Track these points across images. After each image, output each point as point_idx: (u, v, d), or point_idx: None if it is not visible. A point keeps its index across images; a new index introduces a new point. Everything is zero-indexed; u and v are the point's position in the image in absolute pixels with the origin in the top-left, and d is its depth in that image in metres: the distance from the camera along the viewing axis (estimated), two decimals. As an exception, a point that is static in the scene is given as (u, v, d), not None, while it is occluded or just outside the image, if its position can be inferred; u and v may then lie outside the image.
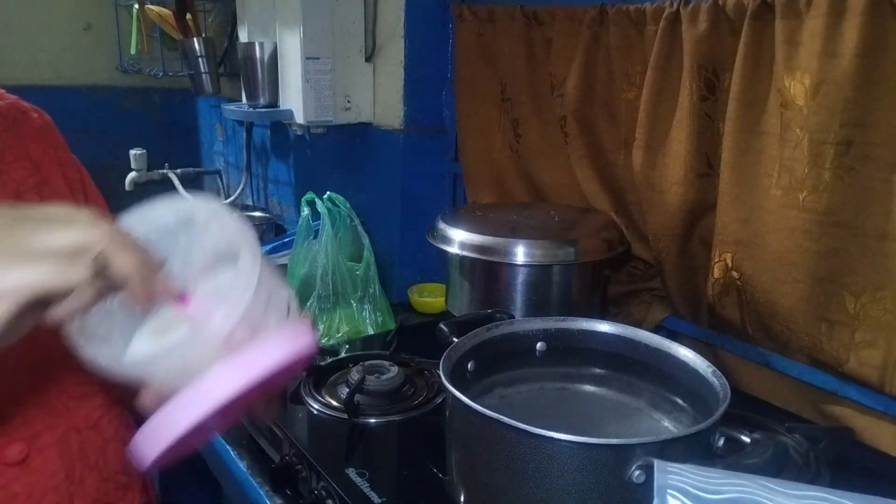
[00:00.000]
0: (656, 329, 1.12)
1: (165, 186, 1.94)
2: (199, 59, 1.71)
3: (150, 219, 0.52)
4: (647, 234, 1.07)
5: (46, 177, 0.73)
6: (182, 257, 0.53)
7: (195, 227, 0.53)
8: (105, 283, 0.43)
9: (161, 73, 1.97)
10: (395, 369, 1.01)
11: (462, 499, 0.72)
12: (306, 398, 0.96)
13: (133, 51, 2.08)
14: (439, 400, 0.96)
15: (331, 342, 1.20)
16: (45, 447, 0.63)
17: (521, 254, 1.01)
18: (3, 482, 0.58)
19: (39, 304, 0.42)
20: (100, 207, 0.79)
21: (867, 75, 0.77)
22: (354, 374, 0.99)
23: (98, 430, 0.69)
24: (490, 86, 1.29)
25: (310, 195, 1.41)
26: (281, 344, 0.48)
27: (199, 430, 0.46)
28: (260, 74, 1.49)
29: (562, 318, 0.86)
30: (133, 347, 0.51)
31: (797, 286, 0.87)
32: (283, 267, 1.37)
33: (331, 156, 1.62)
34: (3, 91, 0.75)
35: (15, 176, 0.70)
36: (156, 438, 0.45)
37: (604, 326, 0.84)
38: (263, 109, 1.52)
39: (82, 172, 0.79)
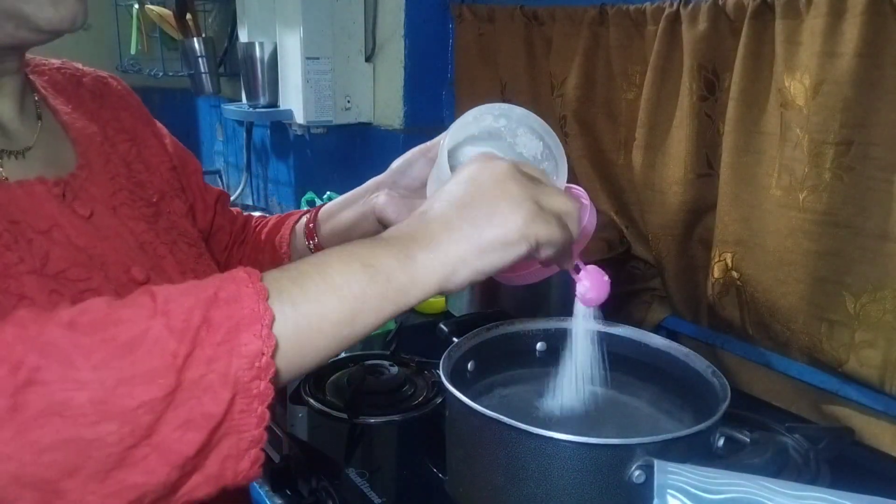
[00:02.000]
0: (656, 329, 1.12)
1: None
2: (199, 59, 1.71)
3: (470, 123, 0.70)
4: (647, 234, 1.07)
5: (142, 143, 0.75)
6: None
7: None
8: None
9: (161, 73, 1.97)
10: (395, 369, 1.01)
11: (462, 499, 0.72)
12: (306, 398, 0.96)
13: (133, 51, 2.08)
14: (439, 400, 0.96)
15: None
16: (164, 274, 0.66)
17: (521, 254, 1.00)
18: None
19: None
20: (192, 159, 0.82)
21: (867, 75, 0.77)
22: (355, 374, 0.99)
23: (210, 275, 0.73)
24: (490, 86, 1.29)
25: (310, 195, 1.41)
26: (591, 220, 0.67)
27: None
28: (260, 74, 1.49)
29: (562, 318, 0.85)
30: None
31: (797, 286, 0.87)
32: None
33: (331, 156, 1.62)
34: (75, 64, 0.75)
35: (120, 150, 0.71)
36: (519, 279, 0.68)
37: (604, 326, 0.84)
38: (263, 109, 1.52)
39: (162, 128, 0.81)
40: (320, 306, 0.45)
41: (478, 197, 0.51)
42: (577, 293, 0.66)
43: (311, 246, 0.84)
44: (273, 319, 0.42)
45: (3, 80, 0.61)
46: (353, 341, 0.47)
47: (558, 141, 0.70)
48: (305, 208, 1.38)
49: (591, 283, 0.65)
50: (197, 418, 0.39)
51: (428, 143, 0.77)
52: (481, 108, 0.71)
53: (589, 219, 0.68)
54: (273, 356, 0.41)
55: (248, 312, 0.41)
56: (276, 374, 0.42)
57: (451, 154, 0.75)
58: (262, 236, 0.88)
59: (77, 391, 0.36)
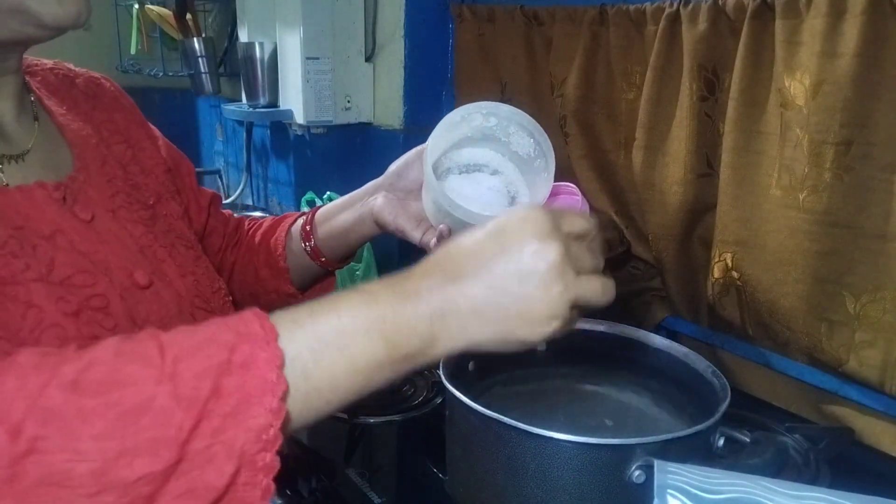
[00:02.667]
0: (656, 329, 1.12)
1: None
2: (199, 59, 1.71)
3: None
4: (647, 234, 1.07)
5: (137, 145, 0.75)
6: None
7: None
8: None
9: (161, 73, 1.97)
10: (395, 369, 1.01)
11: (462, 499, 0.72)
12: (306, 398, 0.96)
13: (133, 51, 2.08)
14: (439, 400, 0.96)
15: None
16: (165, 278, 0.66)
17: (521, 254, 1.00)
18: (133, 303, 0.61)
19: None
20: (185, 161, 0.82)
21: (867, 75, 0.77)
22: (354, 374, 0.99)
23: (209, 277, 0.73)
24: (490, 86, 1.29)
25: (310, 195, 1.41)
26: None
27: None
28: (260, 74, 1.49)
29: (562, 318, 0.85)
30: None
31: (797, 286, 0.87)
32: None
33: (331, 156, 1.62)
34: (67, 65, 0.75)
35: (116, 152, 0.71)
36: None
37: (604, 326, 0.84)
38: (263, 109, 1.52)
39: (155, 130, 0.81)
40: (332, 381, 0.43)
41: (518, 290, 0.46)
42: None
43: (308, 248, 0.84)
44: (286, 392, 0.40)
45: (4, 79, 0.60)
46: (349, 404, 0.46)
47: (547, 137, 0.71)
48: (305, 208, 1.38)
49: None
50: (198, 489, 0.38)
51: (424, 145, 0.77)
52: (468, 107, 0.71)
53: (581, 211, 0.69)
54: (281, 429, 0.40)
55: (261, 383, 0.39)
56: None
57: (448, 155, 0.76)
58: (257, 238, 0.88)
59: (77, 462, 0.36)
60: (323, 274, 0.88)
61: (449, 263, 0.47)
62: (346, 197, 0.84)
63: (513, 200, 0.77)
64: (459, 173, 0.77)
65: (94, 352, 0.39)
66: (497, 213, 0.62)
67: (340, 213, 0.83)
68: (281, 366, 0.40)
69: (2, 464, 0.35)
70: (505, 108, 0.71)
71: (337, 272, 0.89)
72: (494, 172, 0.77)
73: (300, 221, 0.85)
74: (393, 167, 0.81)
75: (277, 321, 0.42)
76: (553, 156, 0.70)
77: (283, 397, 0.40)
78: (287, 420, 0.40)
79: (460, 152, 0.77)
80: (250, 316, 0.42)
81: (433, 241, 0.73)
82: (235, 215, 0.93)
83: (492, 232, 0.48)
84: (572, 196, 0.74)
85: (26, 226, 0.56)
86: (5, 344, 0.50)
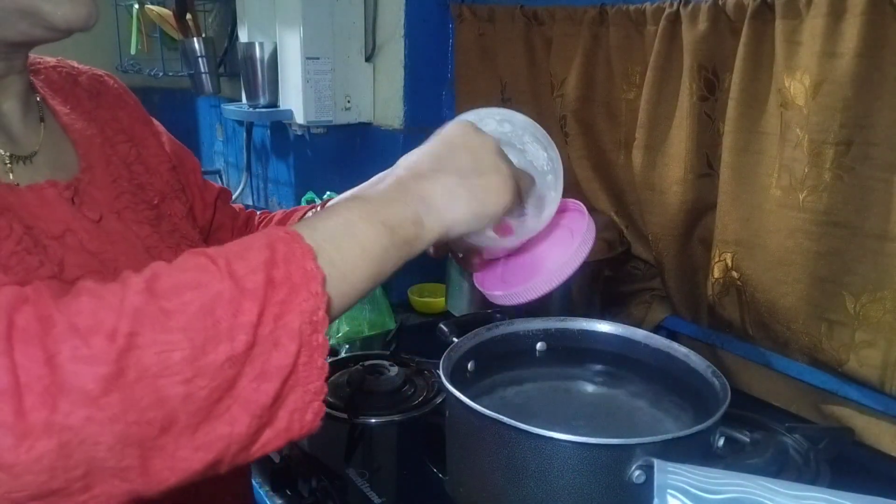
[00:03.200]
0: (656, 329, 1.12)
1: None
2: (199, 59, 1.71)
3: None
4: (647, 234, 1.07)
5: (141, 143, 0.75)
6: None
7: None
8: None
9: (161, 73, 1.97)
10: (395, 369, 1.01)
11: (462, 499, 0.72)
12: (306, 398, 0.96)
13: (133, 51, 2.08)
14: (439, 400, 0.96)
15: (331, 342, 1.20)
16: None
17: (521, 254, 1.00)
18: None
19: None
20: (189, 157, 0.83)
21: (867, 75, 0.77)
22: (354, 375, 0.99)
23: None
24: (490, 86, 1.29)
25: (310, 195, 1.41)
26: (587, 241, 0.69)
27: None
28: (260, 74, 1.49)
29: (562, 318, 0.86)
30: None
31: (797, 286, 0.87)
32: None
33: (331, 156, 1.62)
34: (70, 62, 0.75)
35: (120, 151, 0.71)
36: (515, 297, 0.69)
37: (604, 326, 0.84)
38: (263, 109, 1.52)
39: (159, 126, 0.81)
40: (354, 265, 0.49)
41: (476, 167, 0.57)
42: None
43: None
44: (324, 278, 0.46)
45: (9, 79, 0.60)
46: (372, 291, 0.53)
47: (557, 152, 0.71)
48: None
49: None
50: (270, 370, 0.42)
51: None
52: (480, 111, 0.71)
53: (587, 231, 0.69)
54: (326, 311, 0.45)
55: (303, 272, 0.44)
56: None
57: None
58: None
59: (172, 351, 0.39)
60: None
61: (412, 169, 0.57)
62: (356, 189, 0.84)
63: (523, 211, 0.76)
64: None
65: (152, 268, 0.43)
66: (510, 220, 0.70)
67: None
68: (315, 257, 0.46)
69: (109, 360, 0.38)
70: (520, 118, 0.72)
71: None
72: None
73: (310, 214, 0.85)
74: (401, 162, 0.81)
75: (296, 227, 0.48)
76: (562, 173, 0.70)
77: (323, 283, 0.45)
78: (329, 304, 0.46)
79: None
80: (272, 227, 0.48)
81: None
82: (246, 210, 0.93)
83: (438, 140, 0.59)
84: (580, 213, 0.74)
85: (37, 226, 0.57)
86: None
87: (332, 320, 0.48)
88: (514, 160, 0.74)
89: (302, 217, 0.86)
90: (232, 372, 0.41)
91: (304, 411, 0.45)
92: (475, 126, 0.60)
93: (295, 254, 0.45)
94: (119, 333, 0.39)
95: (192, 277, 0.42)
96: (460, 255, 0.74)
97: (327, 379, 0.45)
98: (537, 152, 0.73)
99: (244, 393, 0.42)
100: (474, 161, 0.57)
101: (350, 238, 0.49)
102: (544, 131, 0.71)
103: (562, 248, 0.71)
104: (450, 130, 0.60)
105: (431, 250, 0.75)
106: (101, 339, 0.38)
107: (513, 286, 0.72)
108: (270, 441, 0.45)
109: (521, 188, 0.61)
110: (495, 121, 0.72)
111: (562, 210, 0.72)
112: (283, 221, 0.88)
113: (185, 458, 0.41)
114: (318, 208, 0.86)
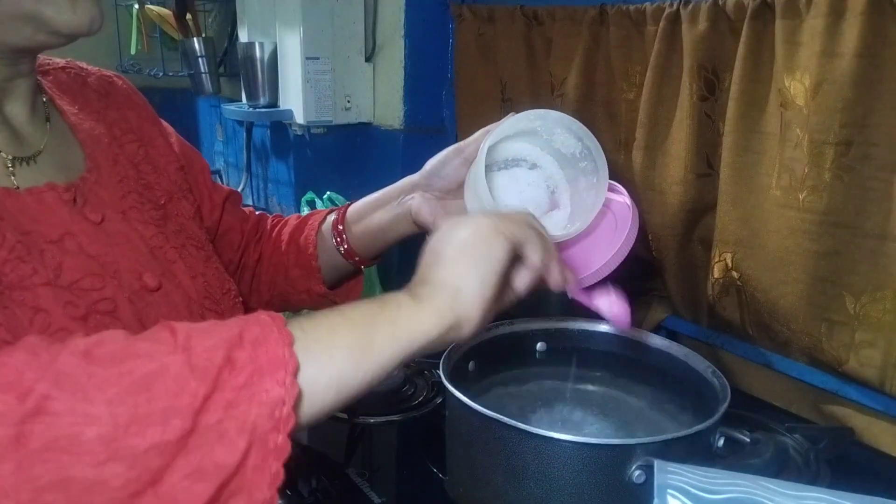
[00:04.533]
0: (656, 329, 1.12)
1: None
2: (199, 59, 1.71)
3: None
4: (647, 234, 1.07)
5: (149, 143, 0.75)
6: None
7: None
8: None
9: (161, 73, 1.97)
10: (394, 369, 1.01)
11: (462, 499, 0.72)
12: (306, 398, 0.96)
13: (133, 51, 2.08)
14: (439, 400, 0.96)
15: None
16: (175, 279, 0.66)
17: (521, 254, 1.00)
18: (142, 305, 0.61)
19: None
20: (198, 158, 0.83)
21: (867, 75, 0.77)
22: (354, 374, 0.99)
23: (219, 278, 0.73)
24: (490, 86, 1.29)
25: (310, 195, 1.41)
26: (633, 230, 0.70)
27: None
28: (260, 74, 1.49)
29: (562, 318, 0.86)
30: None
31: (797, 286, 0.87)
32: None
33: (331, 156, 1.62)
34: (79, 63, 0.74)
35: (128, 151, 0.71)
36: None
37: (604, 326, 0.84)
38: (263, 109, 1.52)
39: (168, 127, 0.81)
40: (342, 373, 0.44)
41: (470, 241, 0.54)
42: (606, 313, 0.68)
43: (342, 249, 0.83)
44: (297, 368, 0.40)
45: (16, 82, 0.60)
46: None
47: (597, 142, 0.71)
48: (305, 208, 1.38)
49: (610, 299, 0.67)
50: (208, 467, 0.36)
51: (461, 143, 0.76)
52: (520, 114, 0.72)
53: (633, 222, 0.70)
54: (294, 407, 0.39)
55: (273, 357, 0.39)
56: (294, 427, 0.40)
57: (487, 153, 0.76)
58: (284, 237, 0.86)
59: (87, 426, 0.34)
60: (353, 272, 0.87)
61: (427, 268, 0.54)
62: (379, 194, 0.83)
63: (552, 194, 0.76)
64: (498, 170, 0.77)
65: (103, 334, 0.39)
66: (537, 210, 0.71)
67: (375, 211, 0.82)
68: (291, 343, 0.40)
69: (8, 422, 0.33)
70: (554, 114, 0.72)
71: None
72: (533, 167, 0.77)
73: (330, 219, 0.85)
74: (429, 165, 0.80)
75: (287, 273, 0.45)
76: (604, 159, 0.71)
77: (295, 373, 0.40)
78: (299, 400, 0.40)
79: (496, 147, 0.77)
80: (258, 312, 0.43)
81: None
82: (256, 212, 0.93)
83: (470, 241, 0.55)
84: (622, 197, 0.75)
85: (35, 230, 0.56)
86: None
87: (303, 423, 0.42)
88: (535, 147, 0.75)
89: (321, 222, 0.85)
90: (159, 462, 0.35)
91: None
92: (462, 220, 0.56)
93: (268, 337, 0.40)
94: (33, 394, 0.34)
95: (142, 347, 0.38)
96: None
97: (282, 491, 0.39)
98: (568, 140, 0.74)
99: (172, 491, 0.36)
100: (471, 237, 0.54)
101: (364, 352, 0.44)
102: (579, 124, 0.71)
103: (607, 240, 0.72)
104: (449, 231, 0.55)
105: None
106: (12, 397, 0.34)
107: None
108: None
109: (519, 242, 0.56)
110: (528, 119, 0.72)
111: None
112: (297, 229, 0.87)
113: None
114: (336, 213, 0.85)
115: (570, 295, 0.64)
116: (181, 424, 0.36)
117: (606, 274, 0.70)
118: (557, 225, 0.74)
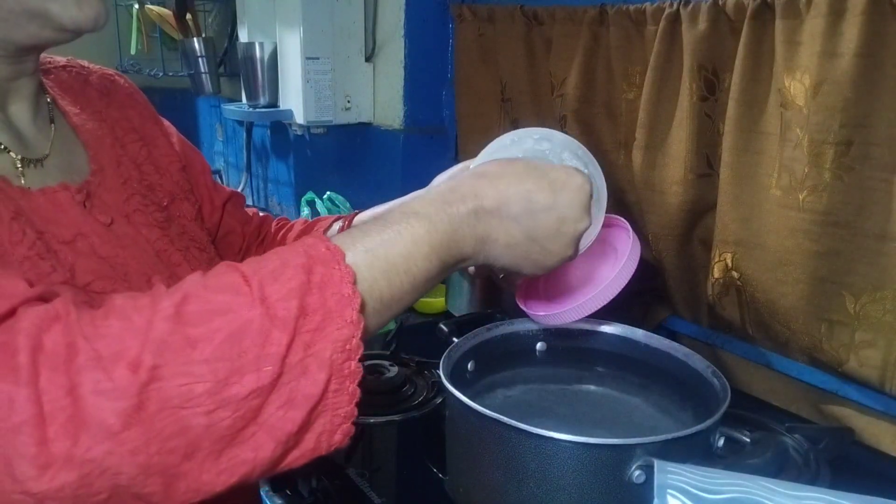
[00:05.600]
0: (656, 329, 1.12)
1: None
2: (199, 59, 1.71)
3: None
4: (647, 234, 1.07)
5: (152, 143, 0.75)
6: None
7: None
8: None
9: (161, 73, 1.97)
10: (395, 369, 1.01)
11: (462, 499, 0.72)
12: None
13: (133, 51, 2.08)
14: (439, 400, 0.96)
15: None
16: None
17: (521, 254, 1.00)
18: None
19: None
20: (199, 158, 0.83)
21: (867, 75, 0.77)
22: (354, 374, 0.99)
23: None
24: (490, 86, 1.29)
25: (310, 195, 1.41)
26: (632, 259, 0.69)
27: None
28: (260, 74, 1.49)
29: (562, 318, 0.85)
30: None
31: (797, 286, 0.87)
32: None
33: (331, 156, 1.62)
34: (80, 62, 0.74)
35: (130, 151, 0.71)
36: (560, 317, 0.71)
37: (604, 326, 0.84)
38: (263, 109, 1.52)
39: (170, 126, 0.81)
40: (400, 300, 0.49)
41: (545, 244, 0.58)
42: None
43: None
44: (362, 303, 0.45)
45: (20, 81, 0.60)
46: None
47: (599, 169, 0.70)
48: (304, 208, 1.38)
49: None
50: (297, 398, 0.42)
51: (468, 161, 0.76)
52: (519, 132, 0.71)
53: (632, 249, 0.69)
54: (362, 337, 0.44)
55: (339, 298, 0.44)
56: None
57: None
58: (289, 241, 0.86)
59: (194, 384, 0.39)
60: None
61: (503, 195, 0.56)
62: (387, 206, 0.83)
63: None
64: None
65: (184, 287, 0.43)
66: None
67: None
68: (354, 281, 0.45)
69: (130, 393, 0.38)
70: (560, 137, 0.71)
71: None
72: None
73: (336, 226, 0.84)
74: (437, 182, 0.80)
75: (341, 244, 0.47)
76: (605, 189, 0.70)
77: (361, 309, 0.44)
78: (365, 329, 0.45)
79: None
80: (313, 240, 0.47)
81: None
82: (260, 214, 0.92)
83: (548, 185, 0.57)
84: (623, 230, 0.74)
85: (48, 231, 0.56)
86: None
87: (370, 335, 0.48)
88: None
89: (326, 229, 0.85)
90: (257, 402, 0.41)
91: (332, 433, 0.45)
92: (588, 196, 0.60)
93: (333, 277, 0.44)
94: (142, 366, 0.38)
95: (223, 301, 0.42)
96: (500, 276, 0.74)
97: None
98: (576, 166, 0.73)
99: (270, 420, 0.41)
100: (555, 231, 0.58)
101: (405, 274, 0.49)
102: (584, 148, 0.71)
103: (607, 267, 0.71)
104: (560, 176, 0.58)
105: (472, 269, 0.75)
106: (124, 370, 0.38)
107: (558, 306, 0.71)
108: (296, 460, 0.45)
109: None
110: (533, 139, 0.71)
111: (605, 226, 0.71)
112: (305, 230, 0.86)
113: (209, 482, 0.41)
114: (343, 220, 0.84)
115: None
116: (272, 369, 0.41)
117: (606, 300, 0.70)
118: None
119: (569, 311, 0.71)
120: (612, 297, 0.69)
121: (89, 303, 0.55)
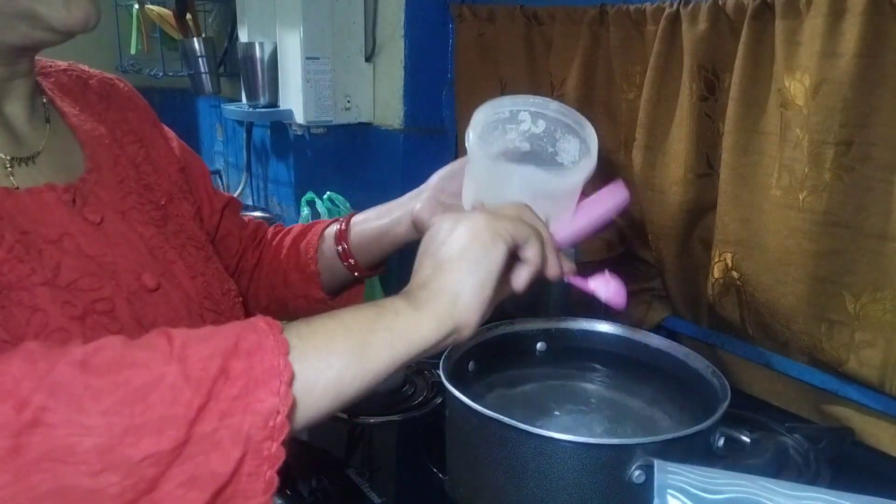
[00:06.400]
0: (656, 329, 1.12)
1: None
2: (199, 59, 1.71)
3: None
4: (647, 234, 1.07)
5: (150, 144, 0.75)
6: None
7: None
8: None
9: (161, 73, 1.97)
10: (395, 369, 1.01)
11: (462, 499, 0.72)
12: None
13: (133, 51, 2.08)
14: (439, 400, 0.96)
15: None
16: (175, 279, 0.66)
17: (521, 254, 1.00)
18: (140, 306, 0.61)
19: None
20: (198, 163, 0.83)
21: (867, 75, 0.77)
22: (354, 374, 0.99)
23: (219, 278, 0.73)
24: (490, 86, 1.29)
25: (310, 195, 1.41)
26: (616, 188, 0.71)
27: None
28: (260, 74, 1.49)
29: (562, 318, 0.86)
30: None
31: (797, 286, 0.87)
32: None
33: (331, 156, 1.62)
34: (81, 66, 0.75)
35: (129, 151, 0.71)
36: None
37: (604, 326, 0.84)
38: (263, 109, 1.52)
39: (169, 131, 0.81)
40: (340, 371, 0.44)
41: (464, 243, 0.53)
42: (602, 296, 0.67)
43: (341, 250, 0.83)
44: (293, 377, 0.41)
45: (15, 82, 0.60)
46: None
47: (593, 132, 0.70)
48: (304, 208, 1.38)
49: (606, 283, 0.66)
50: (203, 476, 0.37)
51: (466, 158, 0.77)
52: (516, 99, 0.70)
53: (613, 187, 0.70)
54: (289, 415, 0.40)
55: (268, 367, 0.40)
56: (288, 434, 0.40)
57: (497, 161, 0.74)
58: (286, 243, 0.86)
59: (83, 437, 0.35)
60: (352, 281, 0.87)
61: (424, 272, 0.54)
62: (386, 204, 0.83)
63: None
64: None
65: (102, 342, 0.39)
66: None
67: (378, 219, 0.82)
68: (287, 353, 0.41)
69: (6, 434, 0.34)
70: (554, 107, 0.71)
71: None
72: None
73: (335, 225, 0.85)
74: (436, 177, 0.80)
75: (287, 329, 0.43)
76: (596, 147, 0.70)
77: (290, 383, 0.40)
78: (293, 408, 0.40)
79: (508, 166, 0.75)
80: (256, 317, 0.43)
81: None
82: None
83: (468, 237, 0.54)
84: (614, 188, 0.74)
85: (33, 230, 0.56)
86: (10, 347, 0.50)
87: (299, 428, 0.43)
88: (547, 172, 0.72)
89: (325, 228, 0.85)
90: (153, 471, 0.36)
91: None
92: (457, 218, 0.56)
93: (263, 346, 0.40)
94: (30, 406, 0.35)
95: (138, 356, 0.38)
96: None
97: (282, 491, 0.40)
98: (569, 145, 0.73)
99: (167, 499, 0.36)
100: (463, 240, 0.54)
101: (361, 360, 0.45)
102: (578, 114, 0.70)
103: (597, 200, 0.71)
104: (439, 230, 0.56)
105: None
106: (9, 408, 0.34)
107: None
108: None
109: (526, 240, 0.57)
110: (530, 114, 0.71)
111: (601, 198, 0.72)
112: (300, 235, 0.87)
113: None
114: (340, 223, 0.85)
115: (566, 280, 0.63)
116: (175, 434, 0.36)
117: (595, 224, 0.70)
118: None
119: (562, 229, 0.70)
120: (591, 221, 0.69)
121: (70, 302, 0.55)
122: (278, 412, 0.39)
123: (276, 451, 0.39)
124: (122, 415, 0.36)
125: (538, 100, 0.72)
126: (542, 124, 0.72)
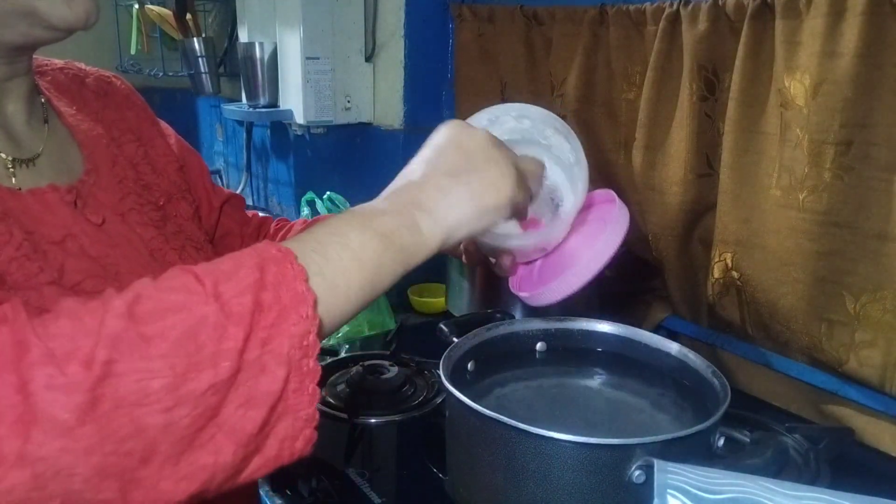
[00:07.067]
0: (656, 329, 1.12)
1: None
2: (199, 59, 1.71)
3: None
4: (647, 234, 1.07)
5: (149, 143, 0.75)
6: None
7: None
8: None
9: (161, 73, 1.97)
10: (395, 369, 1.01)
11: (462, 499, 0.72)
12: (306, 398, 0.95)
13: (133, 51, 2.08)
14: (439, 400, 0.96)
15: (331, 342, 1.20)
16: None
17: (521, 254, 1.00)
18: None
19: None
20: (196, 159, 0.83)
21: (867, 75, 0.77)
22: (354, 375, 0.99)
23: None
24: (490, 86, 1.29)
25: (310, 195, 1.41)
26: (619, 226, 0.67)
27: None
28: (260, 74, 1.49)
29: (562, 318, 0.85)
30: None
31: (797, 286, 0.87)
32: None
33: (331, 156, 1.62)
34: (77, 64, 0.74)
35: (127, 151, 0.71)
36: (546, 294, 0.68)
37: (604, 326, 0.84)
38: (263, 109, 1.52)
39: (167, 128, 0.80)
40: (347, 278, 0.48)
41: (468, 164, 0.55)
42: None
43: None
44: (316, 300, 0.44)
45: (14, 81, 0.60)
46: (369, 303, 0.51)
47: (578, 142, 0.69)
48: (304, 208, 1.38)
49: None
50: (257, 396, 0.41)
51: None
52: (494, 109, 0.70)
53: (619, 219, 0.68)
54: (318, 334, 0.44)
55: (293, 295, 0.43)
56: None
57: None
58: (289, 237, 0.87)
59: (151, 380, 0.38)
60: None
61: (405, 177, 0.55)
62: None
63: (556, 207, 0.74)
64: None
65: (135, 288, 0.42)
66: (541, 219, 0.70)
67: None
68: (307, 278, 0.45)
69: (82, 390, 0.36)
70: (536, 110, 0.70)
71: None
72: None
73: None
74: None
75: (287, 243, 0.47)
76: (585, 162, 0.68)
77: (314, 305, 0.44)
78: (321, 326, 0.45)
79: None
80: (264, 244, 0.46)
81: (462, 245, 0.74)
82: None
83: (427, 145, 0.57)
84: (611, 203, 0.72)
85: (37, 231, 0.56)
86: None
87: (326, 336, 0.47)
88: (541, 156, 0.73)
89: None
90: (215, 399, 0.40)
91: (294, 439, 0.44)
92: (464, 124, 0.58)
93: (286, 275, 0.44)
94: (96, 361, 0.37)
95: (176, 300, 0.41)
96: (493, 261, 0.73)
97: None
98: (562, 144, 0.72)
99: (229, 421, 0.40)
100: (466, 158, 0.55)
101: (342, 248, 0.48)
102: (563, 121, 0.70)
103: (594, 240, 0.69)
104: (438, 133, 0.58)
105: (464, 258, 0.74)
106: (77, 366, 0.37)
107: (542, 284, 0.70)
108: (259, 469, 0.43)
109: (529, 174, 0.59)
110: (512, 117, 0.71)
111: (594, 203, 0.70)
112: (304, 229, 0.87)
113: (168, 490, 0.40)
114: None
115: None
116: (229, 365, 0.40)
117: (592, 272, 0.68)
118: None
119: (553, 288, 0.69)
120: (597, 271, 0.67)
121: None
122: (309, 332, 0.43)
123: (313, 367, 0.44)
124: (179, 356, 0.39)
125: (520, 105, 0.71)
126: (527, 123, 0.72)
